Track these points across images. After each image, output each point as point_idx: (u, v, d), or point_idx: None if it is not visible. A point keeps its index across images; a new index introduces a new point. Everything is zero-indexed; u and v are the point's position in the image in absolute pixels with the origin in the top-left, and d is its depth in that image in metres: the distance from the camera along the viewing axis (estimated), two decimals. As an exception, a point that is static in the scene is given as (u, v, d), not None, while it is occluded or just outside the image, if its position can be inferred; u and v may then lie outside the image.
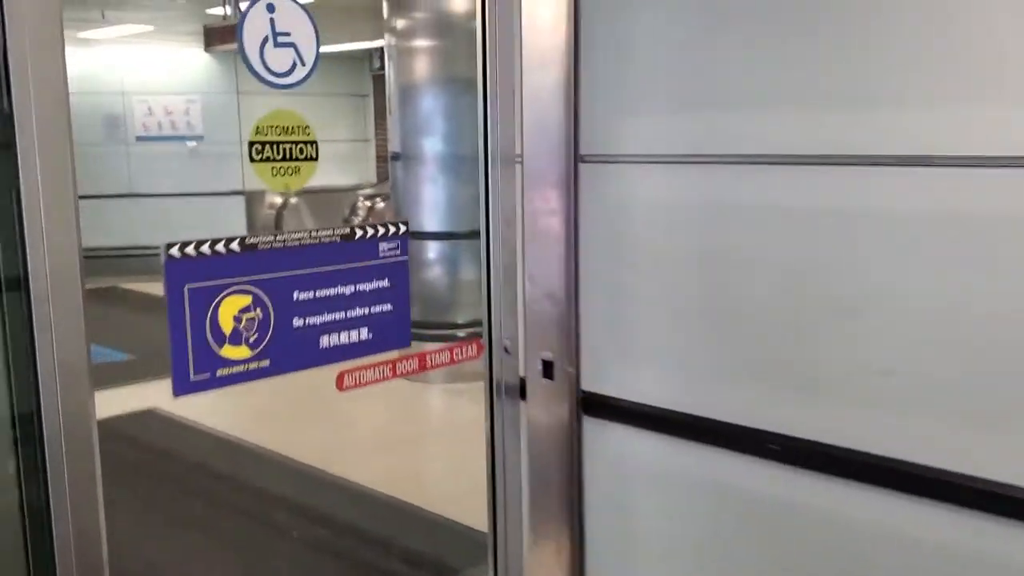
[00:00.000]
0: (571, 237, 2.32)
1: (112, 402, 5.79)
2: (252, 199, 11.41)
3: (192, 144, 11.08)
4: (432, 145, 6.17)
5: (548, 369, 2.42)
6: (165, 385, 1.92)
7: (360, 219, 10.34)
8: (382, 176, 12.42)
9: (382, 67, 7.47)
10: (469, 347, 2.49)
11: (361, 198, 10.76)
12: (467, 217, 6.16)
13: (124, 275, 10.84)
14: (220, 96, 11.15)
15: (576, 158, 2.29)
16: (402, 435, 5.32)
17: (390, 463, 4.83)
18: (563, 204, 2.32)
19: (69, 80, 1.44)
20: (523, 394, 2.48)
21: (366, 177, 12.50)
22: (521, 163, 2.38)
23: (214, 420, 5.58)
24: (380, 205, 10.39)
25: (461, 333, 6.25)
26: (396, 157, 6.28)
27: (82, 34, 9.67)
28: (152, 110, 10.97)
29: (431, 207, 6.18)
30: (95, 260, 11.03)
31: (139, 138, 10.99)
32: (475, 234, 6.41)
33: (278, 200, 11.55)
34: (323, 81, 11.58)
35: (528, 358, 2.45)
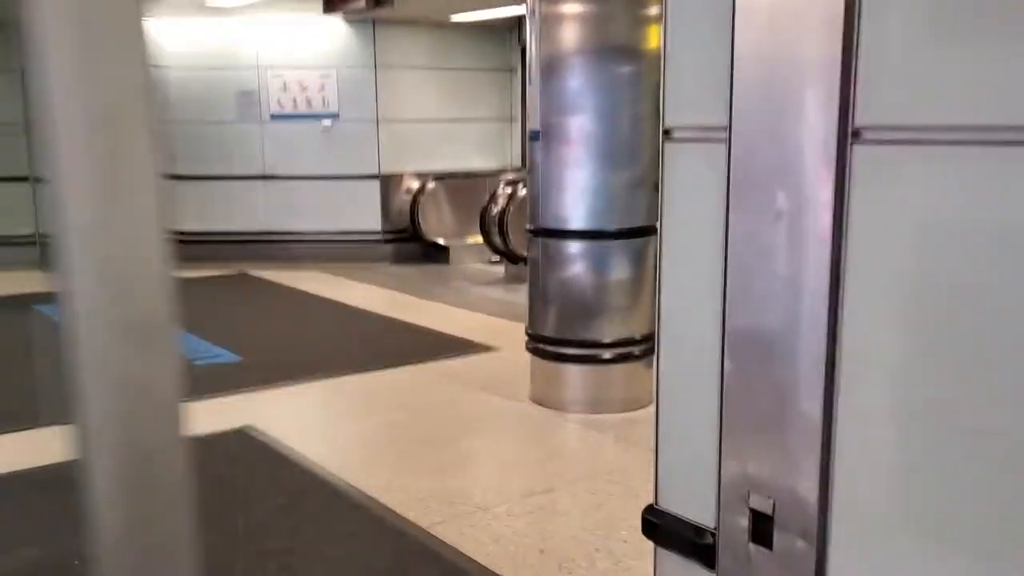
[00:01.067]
0: (829, 273, 1.16)
1: (208, 415, 5.01)
2: (387, 183, 10.65)
3: (327, 123, 10.41)
4: (580, 124, 5.04)
5: (762, 527, 1.28)
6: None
7: (499, 208, 9.33)
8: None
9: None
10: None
11: (502, 184, 9.76)
12: (620, 211, 5.01)
13: (256, 261, 10.30)
14: (357, 71, 10.41)
15: (847, 133, 1.12)
16: (526, 487, 4.24)
17: (507, 529, 3.77)
18: (814, 211, 1.16)
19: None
20: (711, 561, 1.35)
21: (509, 160, 11.51)
22: (727, 142, 1.24)
23: (315, 448, 4.70)
24: (522, 192, 9.35)
25: (607, 354, 5.12)
26: (535, 136, 5.19)
27: (210, 2, 9.10)
28: (287, 85, 10.36)
29: (575, 197, 5.06)
30: (225, 245, 10.64)
31: (273, 116, 10.41)
32: (629, 233, 5.16)
33: (415, 185, 10.76)
34: (465, 54, 10.64)
35: (725, 498, 1.32)
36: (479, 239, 10.59)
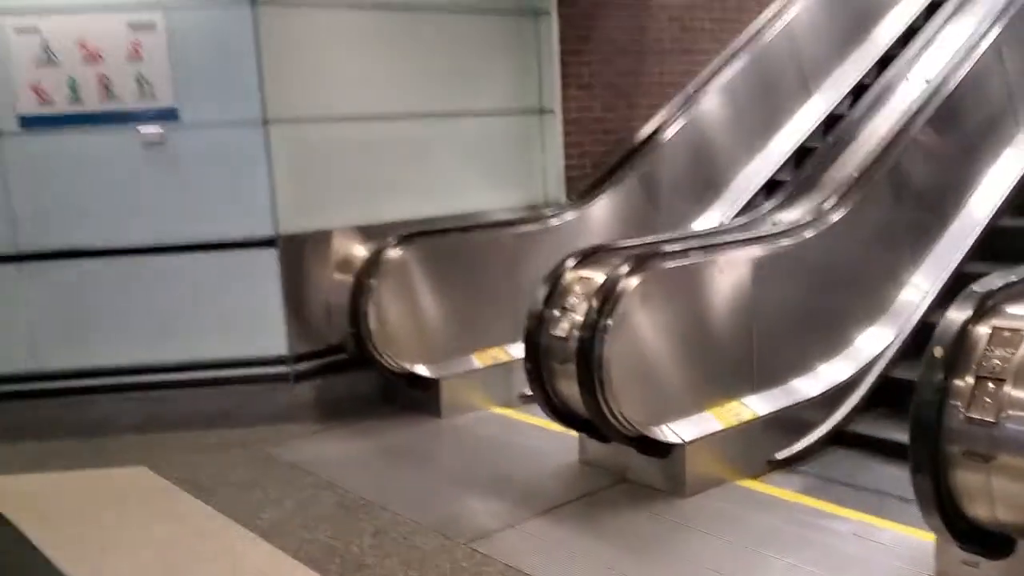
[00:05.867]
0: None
1: None
2: (295, 252, 4.98)
3: (151, 131, 4.71)
4: None
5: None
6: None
7: (568, 317, 3.62)
8: (589, 190, 5.76)
9: None
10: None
11: (570, 264, 4.04)
12: None
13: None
14: (212, 15, 4.72)
15: None
16: None
17: None
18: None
19: None
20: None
21: (543, 190, 5.88)
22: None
23: None
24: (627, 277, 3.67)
25: None
26: None
27: None
28: (52, 51, 4.63)
29: None
30: None
31: (26, 121, 4.68)
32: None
33: (359, 252, 5.09)
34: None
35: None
36: (498, 358, 5.02)
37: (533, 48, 5.67)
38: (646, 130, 6.00)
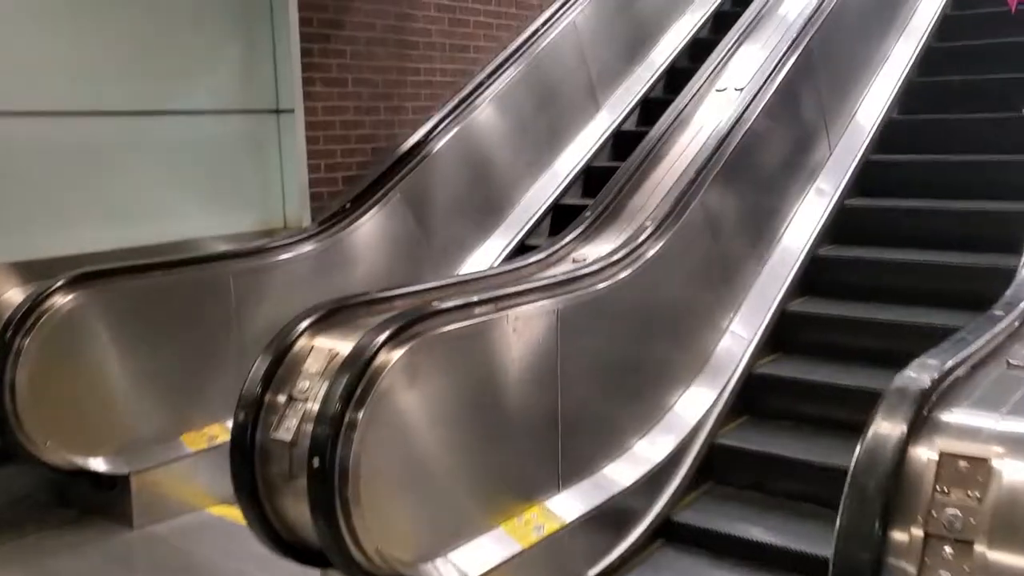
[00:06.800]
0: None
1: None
2: None
3: None
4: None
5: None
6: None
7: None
8: (342, 212, 4.55)
9: None
10: None
11: (302, 327, 2.77)
12: None
13: None
14: None
15: None
16: None
17: None
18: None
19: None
20: None
21: (282, 209, 4.62)
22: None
23: None
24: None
25: None
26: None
27: None
28: None
29: None
30: None
31: None
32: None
33: (11, 298, 3.59)
34: None
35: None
36: (217, 437, 3.76)
37: (265, 30, 4.40)
38: (413, 138, 4.89)
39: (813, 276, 4.16)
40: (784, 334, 3.95)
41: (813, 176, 4.39)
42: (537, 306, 2.91)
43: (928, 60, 5.05)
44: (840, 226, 4.32)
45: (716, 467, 3.53)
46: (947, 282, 3.82)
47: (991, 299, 2.51)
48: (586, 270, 3.18)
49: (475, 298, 2.77)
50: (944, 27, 5.23)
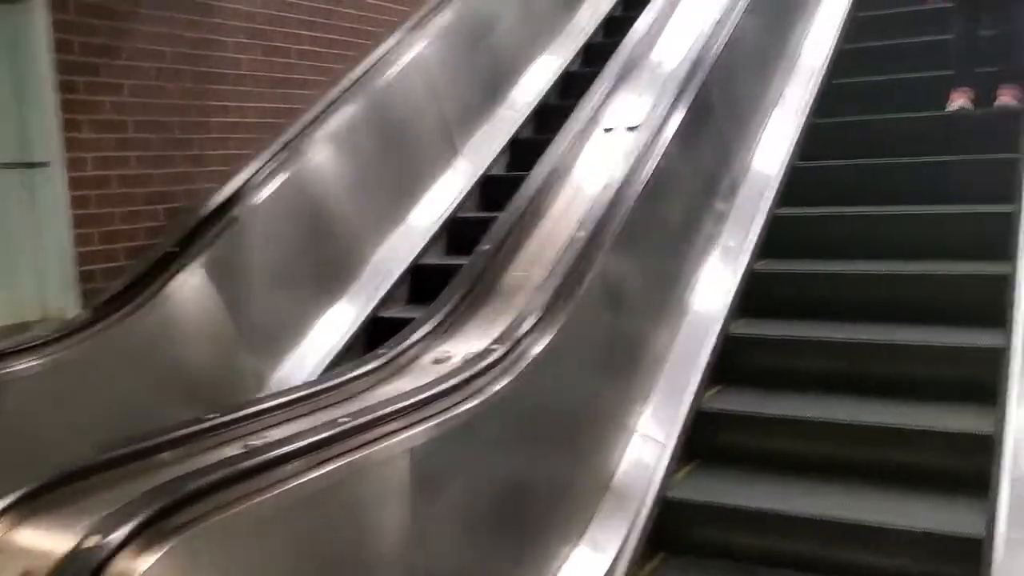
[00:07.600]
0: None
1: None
2: None
3: None
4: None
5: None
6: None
7: None
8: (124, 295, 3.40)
9: None
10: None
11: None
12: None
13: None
14: None
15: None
16: None
17: None
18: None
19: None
20: None
21: (28, 300, 3.44)
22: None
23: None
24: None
25: None
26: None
27: None
28: None
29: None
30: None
31: None
32: None
33: None
34: None
35: None
36: None
37: (3, 57, 3.26)
38: (223, 194, 3.82)
39: (729, 360, 3.36)
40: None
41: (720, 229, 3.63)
42: (380, 449, 1.92)
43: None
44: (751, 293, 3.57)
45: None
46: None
47: None
48: (452, 381, 2.23)
49: (284, 450, 1.76)
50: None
